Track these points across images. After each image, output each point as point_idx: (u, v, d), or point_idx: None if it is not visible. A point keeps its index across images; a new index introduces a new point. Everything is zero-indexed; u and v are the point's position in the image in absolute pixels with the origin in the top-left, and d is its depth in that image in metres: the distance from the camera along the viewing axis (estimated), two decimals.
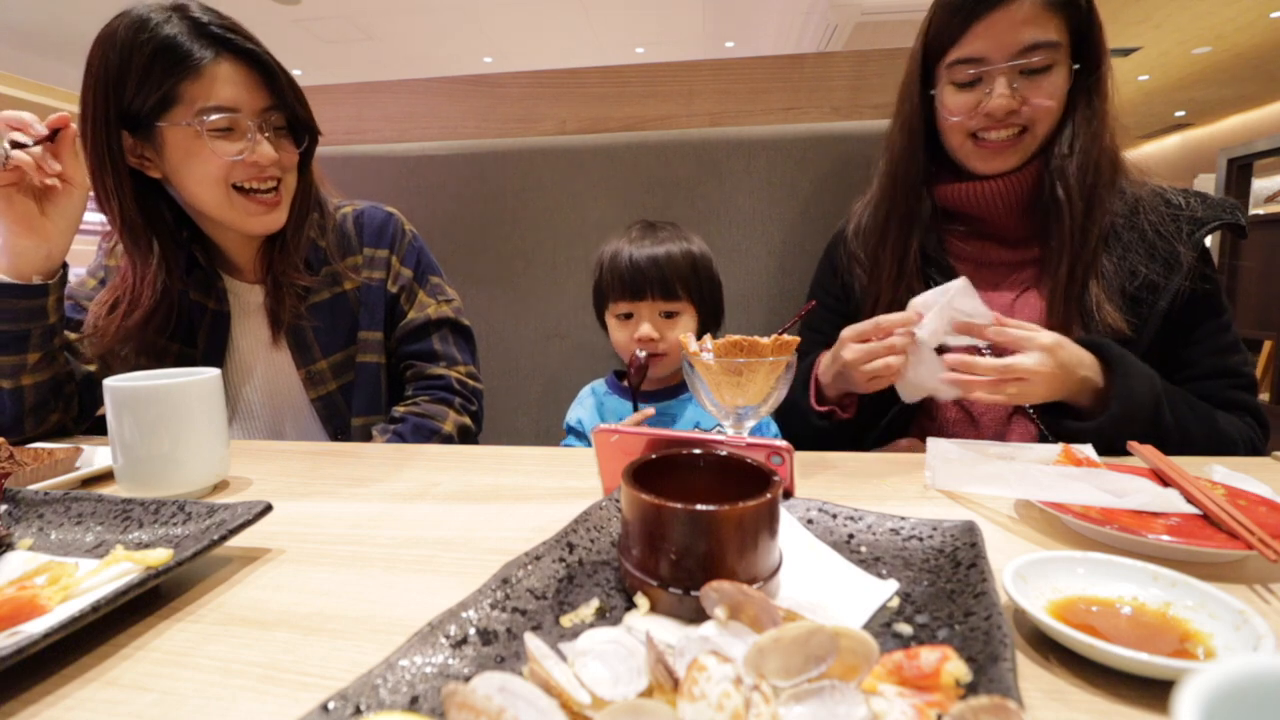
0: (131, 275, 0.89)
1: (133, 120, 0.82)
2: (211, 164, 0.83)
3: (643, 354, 0.95)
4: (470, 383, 1.05)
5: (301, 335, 0.97)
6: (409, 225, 1.07)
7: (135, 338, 0.89)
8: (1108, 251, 0.85)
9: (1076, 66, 0.84)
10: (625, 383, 1.07)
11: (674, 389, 1.04)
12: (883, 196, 0.97)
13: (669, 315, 0.98)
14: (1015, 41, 0.81)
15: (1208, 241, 0.88)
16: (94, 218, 0.92)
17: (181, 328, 0.95)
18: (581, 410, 1.08)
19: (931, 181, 0.94)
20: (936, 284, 0.79)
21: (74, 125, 0.79)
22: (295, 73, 0.89)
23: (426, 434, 0.97)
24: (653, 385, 1.05)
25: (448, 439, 0.98)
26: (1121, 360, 0.74)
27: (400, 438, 0.96)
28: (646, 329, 0.96)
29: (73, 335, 0.92)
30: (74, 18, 4.74)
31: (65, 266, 0.85)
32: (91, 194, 0.86)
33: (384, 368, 1.03)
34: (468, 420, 1.02)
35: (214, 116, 0.81)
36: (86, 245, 1.06)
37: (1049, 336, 0.72)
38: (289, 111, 0.88)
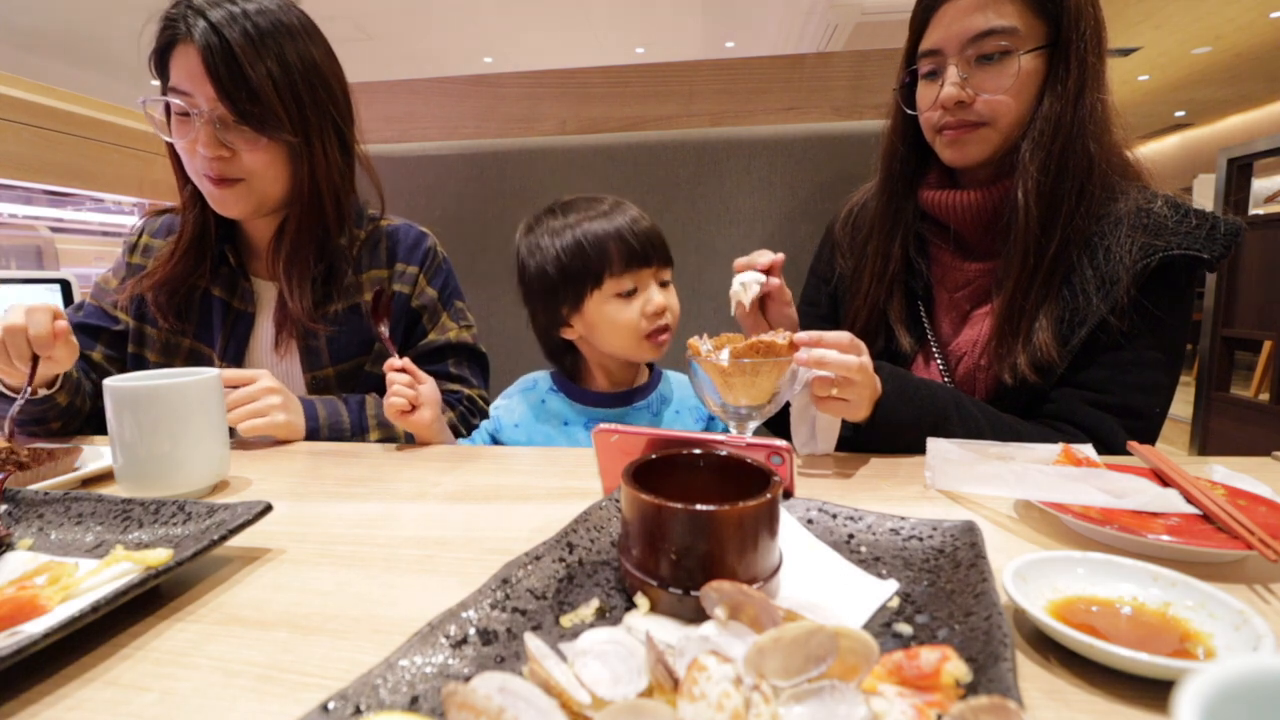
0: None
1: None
2: (178, 140, 0.87)
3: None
4: (480, 402, 1.04)
5: (312, 342, 0.96)
6: (441, 248, 1.06)
7: (174, 280, 0.93)
8: (1074, 270, 0.78)
9: (1032, 50, 0.76)
10: (567, 384, 0.98)
11: (627, 394, 0.95)
12: (876, 193, 0.96)
13: (664, 284, 0.90)
14: (966, 29, 0.78)
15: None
16: (119, 220, 0.92)
17: (195, 321, 0.96)
18: (515, 405, 0.97)
19: (918, 183, 0.92)
20: (905, 294, 0.87)
21: (62, 321, 0.76)
22: None
23: None
24: (605, 388, 0.96)
25: None
26: (892, 380, 0.71)
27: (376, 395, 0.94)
28: (660, 298, 0.87)
29: (95, 355, 0.96)
30: (74, 18, 4.74)
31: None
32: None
33: None
34: (460, 426, 1.00)
35: (170, 98, 0.85)
36: (112, 247, 1.06)
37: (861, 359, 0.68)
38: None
